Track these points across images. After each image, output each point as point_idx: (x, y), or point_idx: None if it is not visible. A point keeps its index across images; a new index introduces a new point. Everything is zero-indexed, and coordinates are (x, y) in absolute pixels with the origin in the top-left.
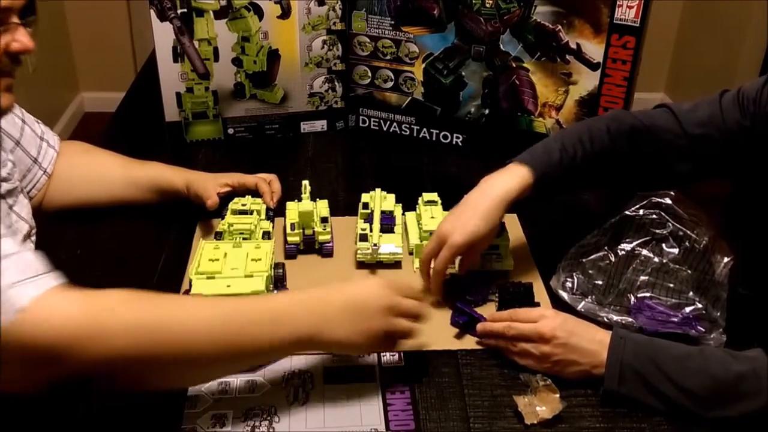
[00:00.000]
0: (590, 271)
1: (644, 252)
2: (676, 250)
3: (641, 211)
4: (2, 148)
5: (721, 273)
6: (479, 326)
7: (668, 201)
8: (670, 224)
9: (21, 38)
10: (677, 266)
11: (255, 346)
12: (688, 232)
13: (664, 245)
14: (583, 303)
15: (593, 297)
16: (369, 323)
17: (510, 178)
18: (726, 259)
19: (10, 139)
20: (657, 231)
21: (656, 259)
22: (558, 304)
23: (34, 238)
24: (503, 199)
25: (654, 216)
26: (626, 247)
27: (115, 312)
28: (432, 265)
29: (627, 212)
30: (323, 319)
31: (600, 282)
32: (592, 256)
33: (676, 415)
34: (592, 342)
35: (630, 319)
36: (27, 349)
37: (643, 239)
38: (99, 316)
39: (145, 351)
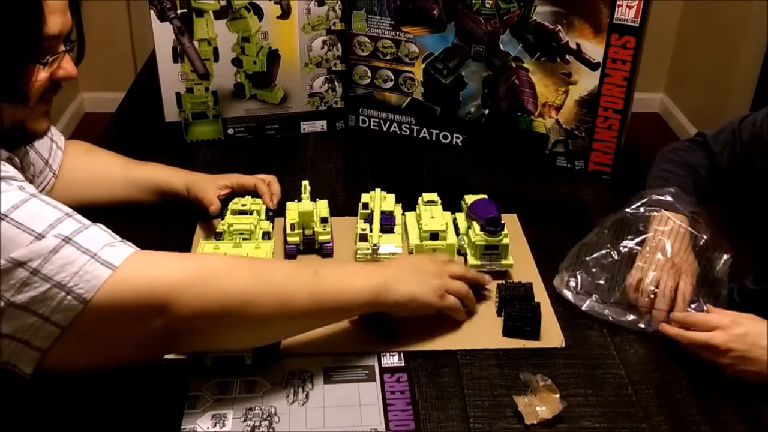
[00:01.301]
0: (593, 270)
1: (645, 250)
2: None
3: (642, 209)
4: (26, 150)
5: (721, 270)
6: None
7: (668, 198)
8: (671, 221)
9: (66, 65)
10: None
11: (340, 296)
12: (689, 229)
13: (666, 244)
14: (587, 302)
15: (597, 296)
16: (430, 279)
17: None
18: (726, 257)
19: None
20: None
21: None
22: (561, 303)
23: None
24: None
25: (655, 213)
26: (628, 244)
27: (215, 259)
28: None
29: (628, 210)
30: (391, 273)
31: (603, 281)
32: (594, 255)
33: None
34: None
35: (633, 317)
36: (130, 303)
37: (645, 237)
38: (201, 262)
39: (250, 293)
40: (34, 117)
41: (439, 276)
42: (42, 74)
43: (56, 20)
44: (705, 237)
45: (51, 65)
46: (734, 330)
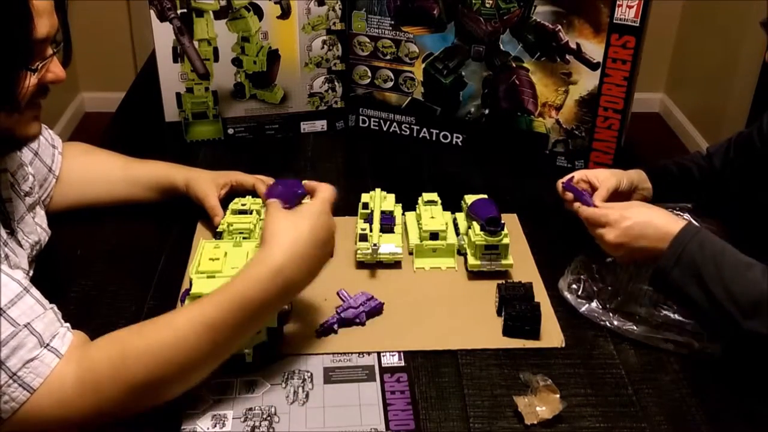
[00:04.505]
0: (597, 275)
1: None
2: None
3: None
4: (23, 162)
5: None
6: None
7: (686, 215)
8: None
9: (54, 69)
10: None
11: (240, 341)
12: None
13: None
14: (586, 306)
15: (598, 301)
16: (326, 251)
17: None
18: None
19: (30, 150)
20: None
21: None
22: (561, 304)
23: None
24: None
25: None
26: None
27: (109, 379)
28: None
29: None
30: (291, 281)
31: (604, 285)
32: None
33: (712, 317)
34: (658, 237)
35: (631, 324)
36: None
37: None
38: (96, 392)
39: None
40: (24, 123)
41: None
42: (32, 80)
43: (44, 23)
44: None
45: (40, 70)
46: (622, 224)
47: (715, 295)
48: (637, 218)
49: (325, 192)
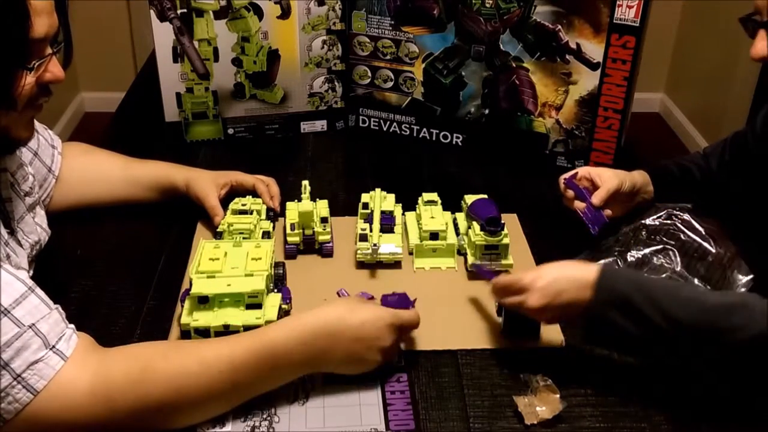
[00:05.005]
0: None
1: (654, 260)
2: (685, 260)
3: (657, 222)
4: (22, 162)
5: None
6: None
7: (686, 215)
8: (682, 235)
9: (53, 69)
10: (688, 276)
11: (257, 391)
12: (704, 244)
13: (676, 255)
14: None
15: None
16: (368, 356)
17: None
18: (745, 279)
19: (29, 150)
20: (670, 241)
21: (666, 265)
22: None
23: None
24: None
25: (669, 225)
26: (636, 254)
27: (123, 394)
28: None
29: (643, 221)
30: (320, 352)
31: None
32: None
33: (659, 347)
34: (579, 287)
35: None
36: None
37: (654, 248)
38: (108, 404)
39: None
40: (20, 124)
41: (378, 352)
42: (29, 79)
43: (42, 22)
44: (726, 255)
45: (37, 69)
46: (537, 284)
47: (657, 325)
48: (550, 274)
49: (407, 315)
